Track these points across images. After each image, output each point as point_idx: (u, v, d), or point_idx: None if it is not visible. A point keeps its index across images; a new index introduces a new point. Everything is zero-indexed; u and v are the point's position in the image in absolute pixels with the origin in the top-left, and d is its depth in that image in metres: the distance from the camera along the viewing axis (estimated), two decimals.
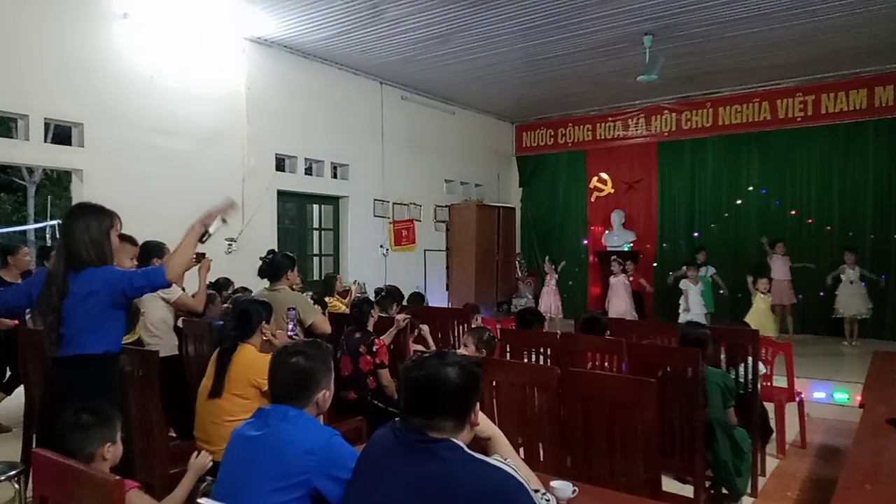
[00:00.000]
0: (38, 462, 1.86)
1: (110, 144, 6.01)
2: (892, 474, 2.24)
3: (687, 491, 3.24)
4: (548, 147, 11.90)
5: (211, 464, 2.50)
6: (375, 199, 9.12)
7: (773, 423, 4.54)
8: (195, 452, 2.49)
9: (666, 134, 10.58)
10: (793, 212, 9.54)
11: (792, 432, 4.89)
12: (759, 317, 7.30)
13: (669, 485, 3.24)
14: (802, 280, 8.83)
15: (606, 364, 3.79)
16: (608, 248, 10.57)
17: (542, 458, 2.87)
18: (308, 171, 8.30)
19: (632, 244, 10.57)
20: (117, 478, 1.66)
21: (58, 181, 17.65)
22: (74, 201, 5.57)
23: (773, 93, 9.52)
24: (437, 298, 9.97)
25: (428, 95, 9.87)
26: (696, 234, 10.30)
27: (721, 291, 9.23)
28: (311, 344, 2.14)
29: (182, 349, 4.19)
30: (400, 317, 4.67)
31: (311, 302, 4.41)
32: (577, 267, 11.25)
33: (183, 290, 4.25)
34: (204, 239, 2.93)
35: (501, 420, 2.96)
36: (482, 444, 1.87)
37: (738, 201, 10.00)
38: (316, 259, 8.83)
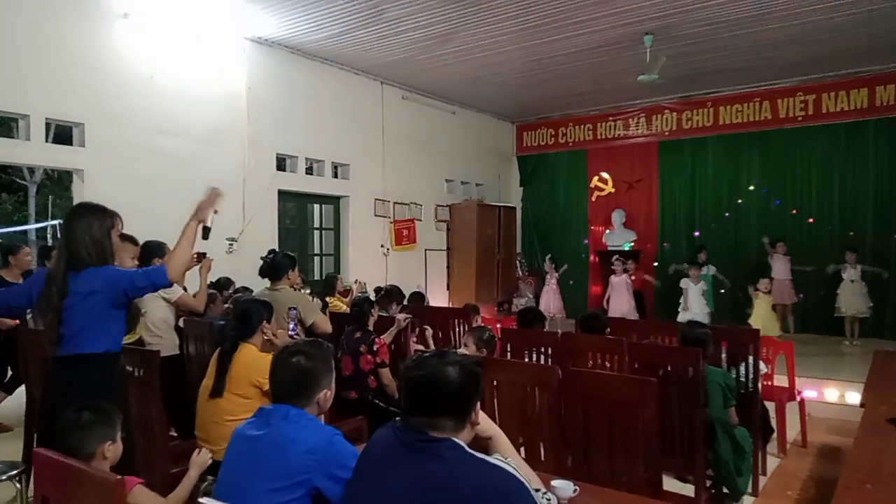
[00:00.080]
0: (39, 462, 1.86)
1: (111, 144, 6.02)
2: (892, 474, 2.24)
3: (688, 490, 3.24)
4: (548, 146, 11.90)
5: (211, 461, 2.50)
6: (376, 199, 9.12)
7: (773, 423, 4.53)
8: (196, 451, 2.49)
9: (666, 133, 10.57)
10: (794, 211, 9.54)
11: (793, 432, 4.89)
12: (762, 319, 7.29)
13: (670, 484, 3.24)
14: (803, 279, 8.84)
15: (608, 364, 3.79)
16: (609, 248, 10.57)
17: (542, 458, 2.87)
18: (309, 171, 8.30)
19: (632, 243, 10.57)
20: (118, 477, 1.66)
21: (59, 181, 17.65)
22: (75, 201, 5.58)
23: (774, 92, 9.52)
24: (438, 298, 9.98)
25: (428, 95, 9.87)
26: (696, 234, 10.29)
27: (722, 291, 9.23)
28: (312, 344, 2.15)
29: (183, 349, 4.19)
30: (401, 316, 4.67)
31: (312, 300, 4.41)
32: (578, 266, 11.25)
33: (184, 289, 4.25)
34: (208, 235, 2.95)
35: (502, 419, 2.96)
36: (483, 443, 1.87)
37: (739, 201, 10.00)
38: (317, 259, 8.83)
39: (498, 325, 6.05)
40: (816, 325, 9.05)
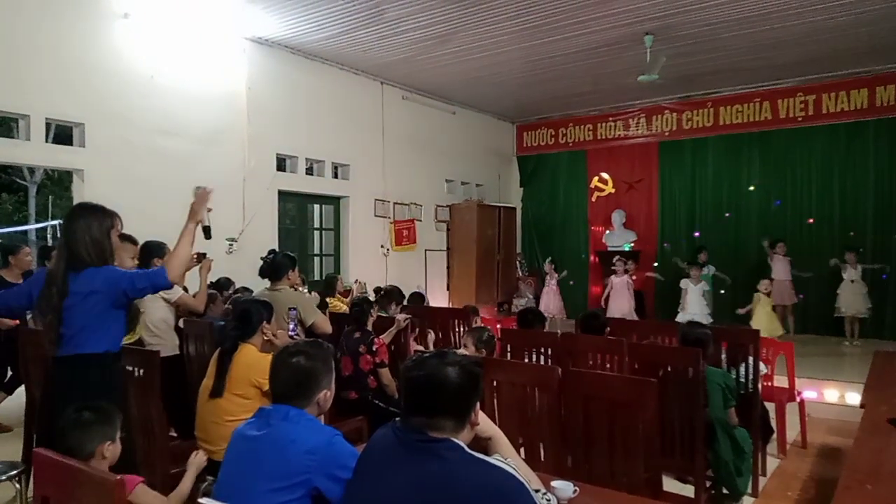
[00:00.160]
0: (39, 462, 1.86)
1: (111, 144, 6.02)
2: (892, 474, 2.24)
3: (688, 491, 3.24)
4: (548, 147, 11.90)
5: (206, 462, 2.51)
6: (376, 199, 9.12)
7: (773, 423, 4.53)
8: (195, 452, 2.49)
9: (667, 134, 10.57)
10: (793, 211, 9.54)
11: (793, 432, 4.89)
12: (764, 321, 7.30)
13: (670, 485, 3.24)
14: (802, 279, 8.83)
15: (608, 365, 3.78)
16: (609, 248, 10.57)
17: (542, 458, 2.87)
18: (309, 171, 8.30)
19: (632, 244, 10.57)
20: (118, 477, 1.66)
21: (59, 181, 17.66)
22: (75, 201, 5.58)
23: (774, 92, 9.52)
24: (438, 298, 9.98)
25: (429, 95, 9.87)
26: (696, 234, 10.29)
27: (722, 291, 9.23)
28: (312, 344, 2.15)
29: (183, 349, 4.19)
30: (401, 316, 4.67)
31: (317, 298, 4.40)
32: (578, 267, 11.25)
33: (185, 289, 4.26)
34: (209, 234, 2.97)
35: (502, 420, 2.96)
36: (483, 443, 1.87)
37: (739, 201, 9.99)
38: (317, 259, 8.83)
39: (498, 326, 6.05)
40: (816, 326, 9.05)
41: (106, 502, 1.64)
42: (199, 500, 1.78)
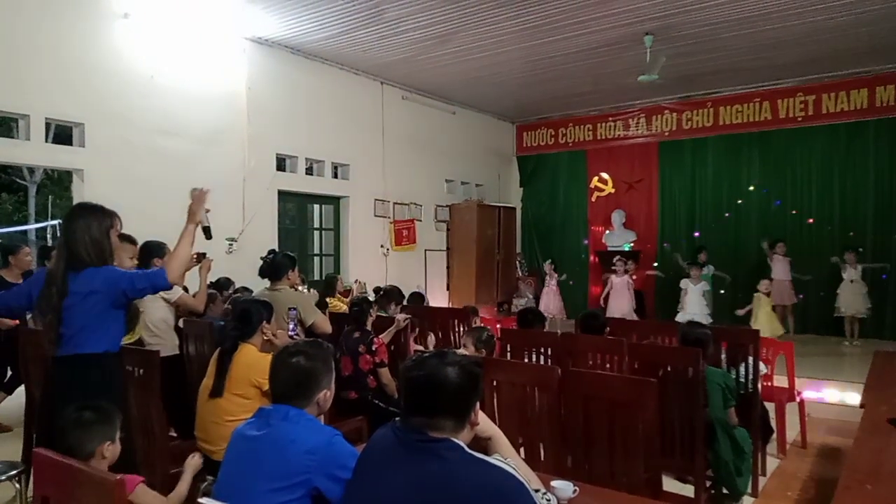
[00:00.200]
0: (39, 462, 1.86)
1: (111, 144, 6.02)
2: (892, 474, 2.24)
3: (687, 491, 3.24)
4: (548, 147, 11.90)
5: (202, 464, 2.50)
6: (376, 199, 9.12)
7: (773, 423, 4.53)
8: (191, 455, 2.48)
9: (666, 134, 10.58)
10: (793, 211, 9.54)
11: (792, 432, 4.89)
12: (764, 321, 7.30)
13: (670, 485, 3.24)
14: (802, 281, 8.83)
15: (608, 365, 3.78)
16: (609, 248, 10.57)
17: (542, 458, 2.86)
18: (309, 171, 8.30)
19: (632, 244, 10.57)
20: (118, 477, 1.66)
21: (59, 181, 17.66)
22: (75, 201, 5.57)
23: (774, 92, 9.52)
24: (438, 298, 9.98)
25: (428, 95, 9.87)
26: (696, 234, 10.29)
27: (722, 291, 9.23)
28: (311, 344, 2.15)
29: (183, 349, 4.19)
30: (401, 317, 4.66)
31: (316, 295, 4.39)
32: (578, 267, 11.26)
33: (185, 289, 4.25)
34: (210, 234, 3.00)
35: (502, 420, 2.96)
36: (482, 443, 1.87)
37: (739, 201, 10.00)
38: (316, 259, 8.83)
39: (498, 326, 6.05)
40: (816, 326, 9.05)
41: (106, 502, 1.64)
42: (199, 500, 1.78)
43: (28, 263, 5.37)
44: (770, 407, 4.55)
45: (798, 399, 4.96)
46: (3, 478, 3.02)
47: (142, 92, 6.26)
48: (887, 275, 8.63)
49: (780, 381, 5.04)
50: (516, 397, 3.00)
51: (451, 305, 9.88)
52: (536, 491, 1.66)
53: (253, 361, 3.00)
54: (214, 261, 4.33)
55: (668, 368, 3.43)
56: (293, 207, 8.63)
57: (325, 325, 4.20)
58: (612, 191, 11.21)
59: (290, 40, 7.48)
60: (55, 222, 15.16)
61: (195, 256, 3.81)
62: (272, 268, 4.23)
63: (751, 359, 4.06)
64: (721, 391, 3.49)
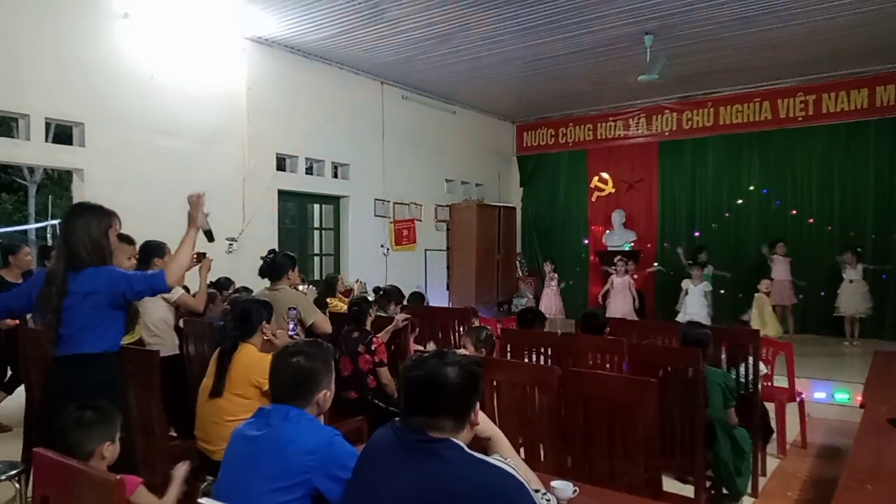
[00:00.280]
0: (39, 462, 1.86)
1: (111, 144, 6.02)
2: (892, 474, 2.23)
3: (687, 491, 3.24)
4: (548, 147, 11.90)
5: (189, 473, 2.47)
6: (376, 199, 9.12)
7: (773, 423, 4.53)
8: (179, 464, 2.43)
9: (667, 133, 10.58)
10: (793, 212, 9.55)
11: (792, 432, 4.89)
12: (764, 321, 7.29)
13: (670, 485, 3.24)
14: (803, 279, 8.83)
15: (608, 366, 3.78)
16: (609, 248, 10.58)
17: (542, 458, 2.86)
18: (309, 171, 8.30)
19: (632, 244, 10.57)
20: (118, 477, 1.66)
21: (59, 181, 17.65)
22: (75, 201, 5.57)
23: (774, 92, 9.52)
24: (438, 298, 9.98)
25: (429, 95, 9.87)
26: (696, 234, 10.29)
27: (722, 291, 9.22)
28: (311, 344, 2.14)
29: (183, 349, 4.19)
30: (399, 317, 4.66)
31: (315, 292, 4.38)
32: (578, 267, 11.26)
33: (186, 289, 4.25)
34: (212, 237, 3.07)
35: (502, 420, 2.96)
36: (482, 443, 1.86)
37: (739, 201, 10.00)
38: (316, 259, 8.83)
39: (498, 326, 6.04)
40: (816, 326, 9.05)
41: (106, 502, 1.64)
42: (199, 500, 1.78)
43: (28, 263, 5.37)
44: (770, 407, 4.55)
45: (798, 399, 4.96)
46: (3, 478, 3.02)
47: (142, 92, 6.26)
48: (887, 275, 8.62)
49: (781, 381, 5.04)
50: (516, 397, 3.00)
51: (451, 305, 9.89)
52: (536, 491, 1.66)
53: (253, 361, 3.00)
54: (214, 260, 4.33)
55: (669, 369, 3.43)
56: (293, 207, 8.63)
57: (325, 325, 4.20)
58: (613, 191, 11.21)
59: (290, 40, 7.48)
60: (55, 222, 15.16)
61: (195, 256, 3.81)
62: (272, 267, 4.23)
63: (751, 359, 4.06)
64: (721, 391, 3.49)
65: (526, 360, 4.03)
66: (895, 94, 8.66)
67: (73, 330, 2.60)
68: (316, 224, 8.84)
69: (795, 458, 4.67)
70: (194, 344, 4.08)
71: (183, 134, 6.64)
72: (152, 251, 4.11)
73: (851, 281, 8.28)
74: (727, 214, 10.10)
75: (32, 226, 17.57)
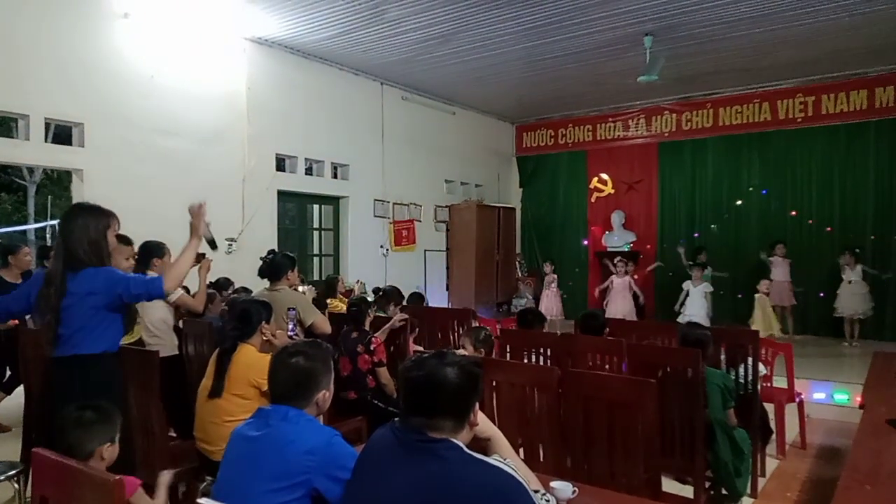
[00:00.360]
0: (38, 462, 1.86)
1: (111, 144, 6.02)
2: (892, 475, 2.24)
3: (687, 492, 3.23)
4: (548, 147, 11.91)
5: (174, 479, 2.46)
6: (376, 200, 9.12)
7: (773, 424, 4.54)
8: (161, 472, 2.39)
9: (666, 134, 10.58)
10: (793, 212, 9.55)
11: (792, 433, 4.89)
12: (764, 321, 7.29)
13: (669, 485, 3.24)
14: (803, 280, 8.84)
15: (607, 366, 3.78)
16: (608, 249, 10.58)
17: (542, 459, 2.87)
18: (308, 172, 8.30)
19: (632, 244, 10.57)
20: (117, 477, 1.65)
21: (58, 181, 17.65)
22: (75, 201, 5.57)
23: (774, 93, 9.53)
24: (438, 298, 9.98)
25: (428, 96, 9.87)
26: (696, 235, 10.30)
27: (721, 292, 9.23)
28: (311, 344, 2.14)
29: (182, 349, 4.18)
30: (397, 316, 4.65)
31: (313, 291, 4.38)
32: (577, 267, 11.26)
33: (186, 290, 4.25)
34: (215, 246, 3.15)
35: (501, 420, 2.96)
36: (482, 444, 1.86)
37: (739, 202, 10.01)
38: (316, 259, 8.83)
39: (497, 326, 6.05)
40: (816, 327, 9.05)
41: (105, 502, 1.64)
42: (198, 501, 1.78)
43: (27, 263, 5.37)
44: (769, 408, 4.55)
45: (797, 400, 4.96)
46: (2, 478, 3.02)
47: (142, 92, 6.26)
48: (887, 280, 8.60)
49: (780, 381, 5.04)
50: (516, 398, 3.00)
51: (450, 306, 9.88)
52: (536, 492, 1.66)
53: (252, 362, 3.00)
54: (214, 261, 4.33)
55: (668, 369, 3.43)
56: (293, 207, 8.63)
57: (325, 326, 4.20)
58: (612, 191, 11.21)
59: (290, 40, 7.48)
60: (54, 222, 15.16)
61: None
62: (271, 268, 4.23)
63: (750, 360, 4.06)
64: (720, 392, 3.49)
65: (525, 361, 4.03)
66: (895, 96, 8.67)
67: (71, 330, 2.60)
68: (315, 224, 8.84)
69: (795, 458, 4.67)
70: (194, 344, 4.08)
71: (183, 134, 6.64)
72: (152, 251, 4.11)
73: (850, 282, 8.29)
74: (726, 216, 10.09)
75: (32, 226, 17.58)
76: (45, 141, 5.83)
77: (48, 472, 1.84)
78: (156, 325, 4.14)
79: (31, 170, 16.99)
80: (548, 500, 1.76)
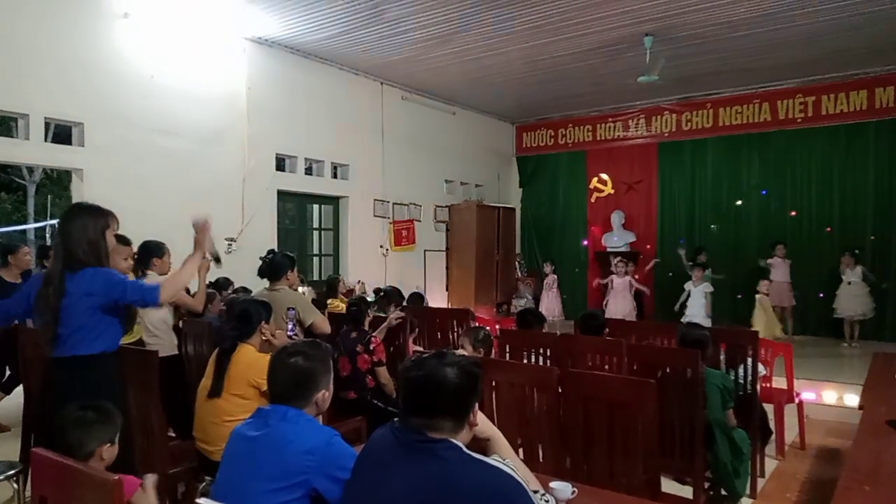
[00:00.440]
0: (37, 462, 1.86)
1: (110, 144, 6.01)
2: (891, 475, 2.24)
3: (686, 492, 3.24)
4: (548, 147, 11.90)
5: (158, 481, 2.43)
6: (375, 200, 9.12)
7: (772, 425, 4.54)
8: (146, 476, 2.35)
9: (666, 135, 10.58)
10: (793, 213, 9.55)
11: (791, 433, 4.90)
12: (763, 322, 7.29)
13: (669, 486, 3.24)
14: (802, 281, 8.84)
15: (607, 367, 3.78)
16: (608, 249, 10.58)
17: (541, 459, 2.87)
18: (308, 171, 8.30)
19: (631, 245, 10.57)
20: (116, 477, 1.65)
21: (58, 181, 17.66)
22: (74, 201, 5.57)
23: (774, 94, 9.53)
24: (437, 299, 9.97)
25: (428, 95, 9.87)
26: (696, 235, 10.29)
27: (720, 292, 9.22)
28: (310, 344, 2.14)
29: (182, 349, 4.18)
30: (393, 315, 4.65)
31: (312, 292, 4.37)
32: (577, 268, 11.26)
33: (186, 290, 4.24)
34: (220, 261, 3.22)
35: (501, 420, 2.96)
36: (481, 444, 1.87)
37: (739, 202, 10.01)
38: (316, 259, 8.83)
39: (497, 327, 6.05)
40: (815, 327, 9.05)
41: (105, 502, 1.64)
42: (198, 501, 1.78)
43: (27, 263, 5.37)
44: (769, 408, 4.55)
45: (797, 400, 4.96)
46: (2, 477, 3.02)
47: (142, 92, 6.26)
48: (886, 284, 8.58)
49: (779, 382, 5.04)
50: (515, 398, 3.00)
51: (449, 306, 9.88)
52: (535, 492, 1.66)
53: (252, 361, 3.00)
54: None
55: (668, 370, 3.43)
56: (292, 207, 8.63)
57: (325, 326, 4.19)
58: (612, 192, 11.21)
59: (290, 40, 7.48)
60: (54, 222, 15.17)
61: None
62: (271, 268, 4.23)
63: (750, 360, 4.06)
64: (720, 392, 3.49)
65: (525, 361, 4.03)
66: (895, 96, 8.67)
67: (70, 330, 2.60)
68: (315, 224, 8.84)
69: (794, 459, 4.68)
70: (193, 344, 4.08)
71: (183, 134, 6.64)
72: (151, 251, 4.11)
73: (850, 283, 8.28)
74: (720, 221, 10.10)
75: (31, 225, 17.59)
76: (45, 140, 5.82)
77: (47, 472, 1.83)
78: (155, 325, 4.14)
79: (30, 169, 16.99)
80: (547, 501, 1.76)
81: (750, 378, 4.05)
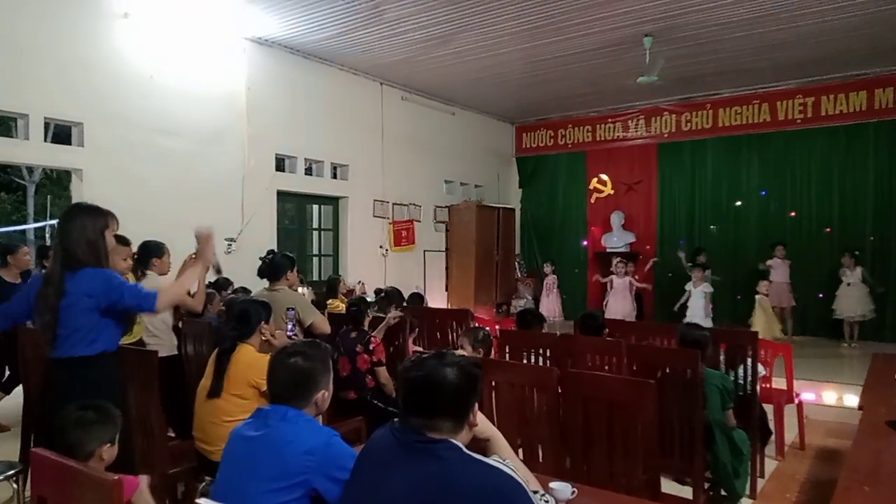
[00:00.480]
0: (37, 462, 1.86)
1: (110, 144, 6.01)
2: (891, 476, 2.24)
3: (686, 492, 3.24)
4: (548, 148, 11.91)
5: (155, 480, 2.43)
6: (375, 200, 9.12)
7: (772, 425, 4.54)
8: (140, 476, 2.35)
9: (666, 135, 10.58)
10: (792, 213, 9.55)
11: (791, 434, 4.90)
12: (763, 322, 7.29)
13: (668, 486, 3.24)
14: (802, 281, 8.84)
15: (607, 367, 3.78)
16: (608, 250, 10.58)
17: (541, 459, 2.87)
18: (308, 172, 8.30)
19: (631, 245, 10.57)
20: (116, 477, 1.65)
21: (57, 181, 17.65)
22: (74, 201, 5.57)
23: (773, 94, 9.53)
24: (437, 299, 9.97)
25: (428, 96, 9.87)
26: (696, 236, 10.29)
27: (720, 292, 9.22)
28: (310, 344, 2.14)
29: (181, 349, 4.18)
30: (392, 314, 4.65)
31: (311, 293, 4.37)
32: (577, 268, 11.26)
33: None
34: (221, 271, 3.09)
35: (501, 421, 2.96)
36: (481, 444, 1.87)
37: (738, 203, 10.01)
38: (315, 259, 8.83)
39: (497, 327, 6.05)
40: (815, 328, 9.06)
41: (104, 502, 1.64)
42: (197, 501, 1.78)
43: (27, 263, 5.37)
44: (769, 409, 4.55)
45: (796, 401, 4.96)
46: (2, 478, 3.02)
47: (142, 92, 6.26)
48: (885, 288, 8.57)
49: (779, 382, 5.04)
50: (515, 398, 3.00)
51: (449, 306, 9.88)
52: (535, 492, 1.66)
53: (251, 362, 3.00)
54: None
55: (667, 370, 3.43)
56: (292, 208, 8.63)
57: (324, 326, 4.19)
58: (612, 192, 11.21)
59: (290, 40, 7.48)
60: (53, 222, 15.16)
61: (192, 256, 3.81)
62: (271, 268, 4.23)
63: (749, 360, 4.06)
64: (719, 393, 3.49)
65: (525, 362, 4.03)
66: (894, 97, 8.68)
67: (70, 330, 2.60)
68: (315, 225, 8.84)
69: (794, 459, 4.68)
70: (193, 344, 4.08)
71: (183, 134, 6.64)
72: (151, 251, 4.11)
73: (849, 284, 8.28)
74: (719, 223, 10.10)
75: (31, 225, 17.59)
76: (45, 140, 5.82)
77: (47, 472, 1.83)
78: (155, 325, 4.15)
79: (30, 169, 16.99)
80: (547, 501, 1.76)
81: (750, 378, 4.05)
